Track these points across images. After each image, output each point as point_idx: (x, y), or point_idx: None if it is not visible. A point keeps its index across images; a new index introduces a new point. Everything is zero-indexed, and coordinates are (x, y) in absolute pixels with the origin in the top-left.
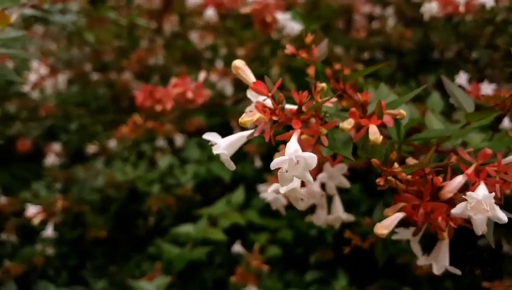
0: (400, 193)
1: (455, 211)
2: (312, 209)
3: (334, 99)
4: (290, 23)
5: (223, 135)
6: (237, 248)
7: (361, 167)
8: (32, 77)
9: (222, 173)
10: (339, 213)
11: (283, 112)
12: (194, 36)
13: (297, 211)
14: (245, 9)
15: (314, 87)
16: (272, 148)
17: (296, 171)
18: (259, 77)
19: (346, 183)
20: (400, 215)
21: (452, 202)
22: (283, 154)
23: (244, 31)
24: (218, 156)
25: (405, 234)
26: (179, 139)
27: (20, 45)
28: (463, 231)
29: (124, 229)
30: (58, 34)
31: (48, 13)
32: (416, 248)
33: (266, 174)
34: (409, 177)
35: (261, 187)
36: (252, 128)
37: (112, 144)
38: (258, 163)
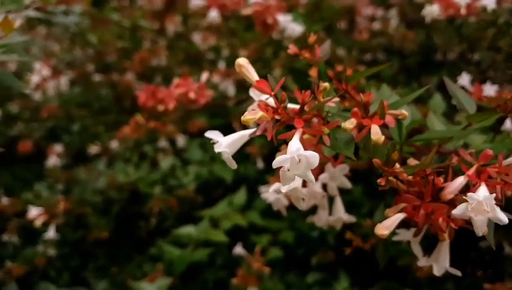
0: (400, 194)
1: (456, 212)
2: (313, 210)
3: (337, 99)
4: (291, 25)
5: (225, 136)
6: (238, 249)
7: (363, 168)
8: (35, 79)
9: (224, 174)
10: (340, 214)
11: (285, 111)
12: (196, 37)
13: (299, 212)
14: (246, 11)
15: (317, 87)
16: (274, 149)
17: (298, 170)
18: (261, 78)
19: (347, 184)
20: (400, 216)
21: (453, 203)
22: (285, 154)
23: (246, 32)
24: (220, 157)
25: (406, 235)
26: (181, 140)
27: (22, 46)
28: (464, 232)
29: (126, 230)
30: (61, 35)
31: (51, 15)
32: (416, 249)
33: (268, 175)
34: (410, 177)
35: (262, 188)
36: (254, 127)
37: (114, 144)
38: (260, 164)
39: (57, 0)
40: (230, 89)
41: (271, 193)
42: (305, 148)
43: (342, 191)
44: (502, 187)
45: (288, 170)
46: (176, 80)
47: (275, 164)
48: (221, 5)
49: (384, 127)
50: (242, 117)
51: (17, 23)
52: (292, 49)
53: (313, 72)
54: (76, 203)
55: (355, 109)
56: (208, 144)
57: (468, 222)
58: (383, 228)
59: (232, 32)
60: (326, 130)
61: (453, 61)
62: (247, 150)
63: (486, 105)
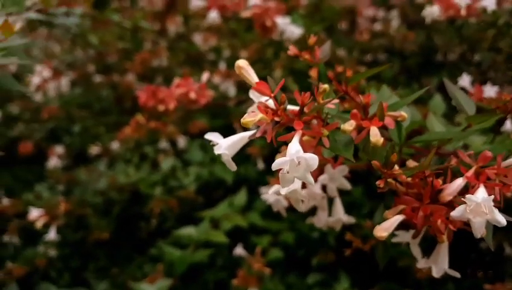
0: (399, 196)
1: (454, 213)
2: (313, 211)
3: (336, 100)
4: (290, 27)
5: (226, 137)
6: (239, 250)
7: (363, 169)
8: (36, 80)
9: (224, 175)
10: (340, 215)
11: (285, 113)
12: (197, 38)
13: (299, 213)
14: (246, 14)
15: (317, 89)
16: (274, 150)
17: (297, 173)
18: (262, 78)
19: (347, 185)
20: (399, 218)
21: (452, 205)
22: (285, 155)
23: (247, 33)
24: (220, 158)
25: (405, 236)
26: (182, 141)
27: (23, 48)
28: (464, 233)
29: (126, 231)
30: (62, 35)
31: (52, 16)
32: (415, 251)
33: (269, 176)
34: (409, 179)
35: (263, 189)
36: (254, 129)
37: (115, 145)
38: (260, 165)
39: (57, 1)
40: (231, 90)
41: (271, 194)
42: (305, 150)
43: (342, 192)
44: (500, 189)
45: (288, 172)
46: (176, 80)
47: (274, 166)
48: (221, 6)
49: (383, 128)
50: (242, 119)
51: (18, 25)
52: (292, 50)
53: (313, 73)
54: (77, 204)
55: (355, 111)
56: (209, 145)
57: (467, 224)
58: (382, 230)
59: (232, 33)
60: (325, 132)
61: (453, 62)
62: (248, 151)
63: (487, 106)
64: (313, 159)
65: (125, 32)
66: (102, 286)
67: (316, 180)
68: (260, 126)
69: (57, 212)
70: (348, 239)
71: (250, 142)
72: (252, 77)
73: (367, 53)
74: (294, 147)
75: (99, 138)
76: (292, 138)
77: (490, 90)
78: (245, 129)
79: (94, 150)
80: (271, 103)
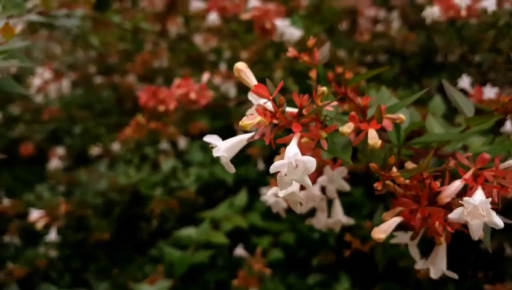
0: (397, 197)
1: (452, 216)
2: (313, 212)
3: (335, 103)
4: (289, 30)
5: (227, 138)
6: (239, 251)
7: (362, 170)
8: (37, 82)
9: (225, 176)
10: (339, 216)
11: (284, 115)
12: (198, 39)
13: (299, 213)
14: (245, 16)
15: (315, 91)
16: (274, 151)
17: (295, 175)
18: (262, 79)
19: (346, 187)
20: (397, 220)
21: (450, 207)
22: (283, 158)
23: (247, 34)
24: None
25: (403, 237)
26: (182, 142)
27: (24, 49)
28: (464, 234)
29: (127, 232)
30: (62, 37)
31: (53, 18)
32: (414, 252)
33: (269, 177)
34: (407, 181)
35: (263, 190)
36: (254, 131)
37: (115, 146)
38: (261, 166)
39: (58, 3)
40: (231, 91)
41: (269, 196)
42: (304, 152)
43: (343, 193)
44: (498, 191)
45: (286, 175)
46: (176, 81)
47: (272, 169)
48: (221, 8)
49: (382, 130)
50: (240, 122)
51: (19, 28)
52: (291, 52)
53: (313, 74)
54: (78, 205)
55: (353, 113)
56: (209, 146)
57: (465, 226)
58: (380, 232)
59: (233, 34)
60: (323, 134)
61: (453, 63)
62: (248, 151)
63: (486, 108)
64: (311, 162)
65: (126, 33)
66: (103, 287)
67: (315, 182)
68: (259, 128)
69: (58, 213)
70: (347, 240)
71: (251, 142)
72: (251, 79)
73: (367, 54)
74: (292, 149)
75: (99, 138)
76: (290, 141)
77: (490, 92)
78: (245, 131)
79: (95, 150)
80: (270, 105)
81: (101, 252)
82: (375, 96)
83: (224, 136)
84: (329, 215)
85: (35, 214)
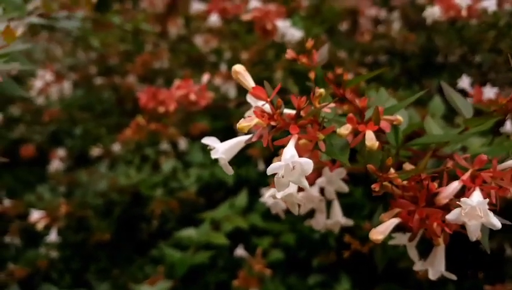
0: (395, 199)
1: (450, 217)
2: (313, 213)
3: (332, 104)
4: (290, 30)
5: (227, 139)
6: (240, 251)
7: (362, 171)
8: (38, 84)
9: (225, 177)
10: (338, 218)
11: (281, 117)
12: (198, 40)
13: (300, 214)
14: (246, 17)
15: (313, 93)
16: (275, 151)
17: (292, 177)
18: (263, 80)
19: (345, 188)
20: (395, 221)
21: (448, 208)
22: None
23: (248, 35)
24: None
25: (402, 239)
26: (183, 143)
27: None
28: (464, 234)
29: (127, 232)
30: (63, 38)
31: (54, 20)
32: (412, 253)
33: (269, 177)
34: (405, 183)
35: (264, 190)
36: (254, 132)
37: (116, 147)
38: (261, 166)
39: (59, 5)
40: (232, 91)
41: (267, 197)
42: (302, 154)
43: (343, 194)
44: (496, 192)
45: (283, 177)
46: (176, 82)
47: (269, 171)
48: (222, 9)
49: (381, 131)
50: (237, 124)
51: (20, 31)
52: (290, 54)
53: (312, 76)
54: (78, 205)
55: (351, 115)
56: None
57: (463, 227)
58: (377, 233)
59: (233, 34)
60: (321, 136)
61: (454, 64)
62: (249, 152)
63: (486, 108)
64: (308, 164)
65: (127, 34)
66: (103, 288)
67: (313, 183)
68: (257, 130)
69: (58, 213)
70: (346, 241)
71: (252, 143)
72: (249, 81)
73: (368, 54)
74: (289, 151)
75: (100, 139)
76: (288, 143)
77: (490, 92)
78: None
79: (95, 151)
80: (267, 107)
81: (102, 253)
82: (375, 97)
83: (224, 137)
84: (328, 216)
85: (35, 215)
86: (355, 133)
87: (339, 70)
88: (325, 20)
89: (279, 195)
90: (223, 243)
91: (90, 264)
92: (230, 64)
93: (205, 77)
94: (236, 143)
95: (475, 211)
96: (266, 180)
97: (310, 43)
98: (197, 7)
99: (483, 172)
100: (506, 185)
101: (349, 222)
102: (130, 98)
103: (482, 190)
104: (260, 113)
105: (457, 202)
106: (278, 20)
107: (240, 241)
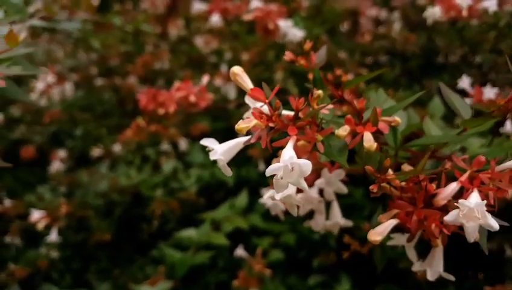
0: (394, 200)
1: (447, 218)
2: (313, 213)
3: (331, 106)
4: (292, 30)
5: (228, 139)
6: (240, 251)
7: (361, 172)
8: (40, 85)
9: (226, 177)
10: (337, 219)
11: (280, 119)
12: (199, 41)
13: (300, 215)
14: (248, 17)
15: (311, 94)
16: (275, 152)
17: (291, 178)
18: (263, 81)
19: (344, 189)
20: (393, 222)
21: (446, 209)
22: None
23: (248, 36)
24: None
25: (400, 239)
26: (183, 143)
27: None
28: (464, 235)
29: (128, 233)
30: (64, 39)
31: (55, 22)
32: (411, 254)
33: (270, 178)
34: (403, 184)
35: (264, 191)
36: (253, 134)
37: (117, 148)
38: (262, 167)
39: (60, 6)
40: (232, 92)
41: (266, 198)
42: (301, 155)
43: (344, 195)
44: (494, 193)
45: (282, 178)
46: (176, 83)
47: (268, 172)
48: (223, 10)
49: (380, 132)
50: (236, 126)
51: (22, 35)
52: (288, 55)
53: (312, 77)
54: (79, 206)
55: (349, 116)
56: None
57: (462, 228)
58: (376, 234)
59: (234, 35)
60: (319, 137)
61: (454, 64)
62: (249, 152)
63: (485, 109)
64: (306, 165)
65: (127, 35)
66: (104, 288)
67: (313, 185)
68: (255, 131)
69: (59, 213)
70: (346, 242)
71: (252, 144)
72: (247, 83)
73: (368, 55)
74: (287, 153)
75: (101, 140)
76: (286, 144)
77: (490, 92)
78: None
79: (96, 152)
80: (266, 108)
81: (102, 253)
82: (375, 98)
83: (225, 138)
84: (327, 217)
85: (36, 215)
86: (354, 134)
87: (339, 71)
88: (326, 20)
89: (278, 196)
90: (223, 243)
91: (91, 265)
92: (231, 65)
93: (205, 79)
94: (235, 144)
95: (473, 213)
96: (266, 181)
97: (308, 45)
98: (198, 7)
99: (482, 173)
100: (504, 186)
101: (348, 223)
102: (130, 99)
103: (480, 192)
104: (258, 114)
105: (455, 204)
106: (280, 19)
107: (240, 242)
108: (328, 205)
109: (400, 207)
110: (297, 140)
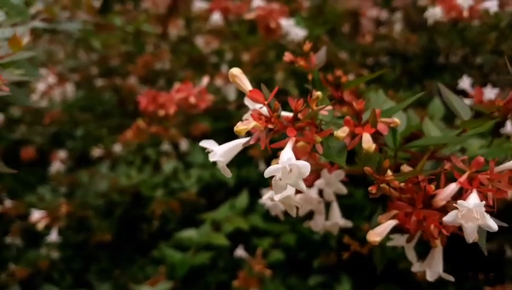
0: (393, 201)
1: (446, 219)
2: (312, 214)
3: (330, 107)
4: (294, 29)
5: (229, 140)
6: (240, 252)
7: (360, 173)
8: (41, 86)
9: (226, 178)
10: (337, 219)
11: (279, 120)
12: (199, 41)
13: (300, 215)
14: (250, 15)
15: (310, 96)
16: (276, 152)
17: (290, 179)
18: (264, 81)
19: (343, 190)
20: (392, 223)
21: (445, 210)
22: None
23: (249, 36)
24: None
25: (400, 240)
26: (184, 144)
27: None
28: (463, 236)
29: (128, 233)
30: (65, 40)
31: (56, 23)
32: (411, 255)
33: (270, 178)
34: (402, 185)
35: (264, 191)
36: (253, 135)
37: (117, 148)
38: (262, 167)
39: (61, 7)
40: (233, 92)
41: (265, 199)
42: (300, 156)
43: (344, 195)
44: (493, 194)
45: (280, 179)
46: (176, 85)
47: (267, 173)
48: (224, 8)
49: (379, 133)
50: (235, 127)
51: (25, 40)
52: (288, 56)
53: (311, 78)
54: (79, 206)
55: (348, 117)
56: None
57: (461, 229)
58: (375, 235)
59: (235, 35)
60: (318, 138)
61: (455, 65)
62: (250, 153)
63: (485, 110)
64: (305, 167)
65: (128, 35)
66: (104, 288)
67: (312, 185)
68: (255, 133)
69: (59, 214)
70: (346, 242)
71: (253, 144)
72: (246, 84)
73: (369, 56)
74: (286, 154)
75: (101, 140)
76: (285, 145)
77: (490, 92)
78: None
79: (96, 152)
80: (265, 110)
81: (103, 253)
82: (373, 99)
83: (226, 138)
84: (327, 217)
85: (36, 215)
86: (353, 135)
87: (339, 72)
88: (327, 21)
89: (277, 197)
90: (224, 243)
91: (91, 265)
92: (231, 65)
93: (205, 80)
94: (234, 146)
95: (472, 213)
96: (267, 181)
97: (307, 46)
98: (199, 6)
99: (481, 174)
100: (503, 187)
101: (348, 224)
102: (131, 99)
103: (479, 192)
104: (257, 116)
105: (454, 204)
106: (282, 19)
107: (241, 242)
108: (328, 205)
109: (399, 208)
110: (297, 141)
